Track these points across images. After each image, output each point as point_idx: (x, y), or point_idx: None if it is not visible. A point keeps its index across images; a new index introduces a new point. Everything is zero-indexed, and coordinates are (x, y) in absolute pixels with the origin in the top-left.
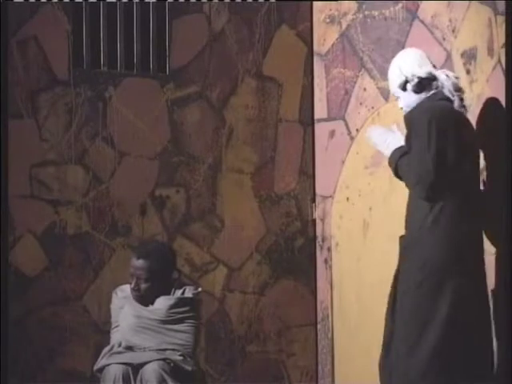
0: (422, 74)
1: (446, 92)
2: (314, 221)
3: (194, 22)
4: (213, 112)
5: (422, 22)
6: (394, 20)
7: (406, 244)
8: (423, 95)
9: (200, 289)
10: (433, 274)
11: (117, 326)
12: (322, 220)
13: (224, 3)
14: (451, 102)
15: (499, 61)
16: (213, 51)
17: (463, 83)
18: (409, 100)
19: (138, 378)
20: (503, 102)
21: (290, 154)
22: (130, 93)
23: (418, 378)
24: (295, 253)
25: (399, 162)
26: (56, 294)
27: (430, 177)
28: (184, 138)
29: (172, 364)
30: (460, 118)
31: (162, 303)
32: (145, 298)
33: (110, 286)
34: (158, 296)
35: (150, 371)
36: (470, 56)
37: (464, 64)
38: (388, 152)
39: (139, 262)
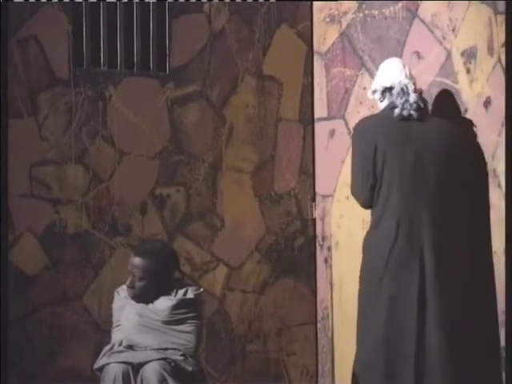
0: (386, 83)
1: (397, 100)
2: (314, 220)
3: (194, 21)
4: (213, 111)
5: (422, 21)
6: (394, 19)
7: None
8: (385, 104)
9: (202, 289)
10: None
11: (118, 325)
12: (322, 219)
13: (224, 2)
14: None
15: (499, 60)
16: (213, 50)
17: (463, 82)
18: (380, 109)
19: (139, 377)
20: (503, 101)
21: (290, 153)
22: (130, 92)
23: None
24: (295, 252)
25: None
26: (56, 294)
27: (354, 189)
28: (184, 137)
29: (173, 363)
30: (386, 124)
31: (165, 304)
32: (139, 297)
33: (111, 286)
34: (154, 295)
35: (151, 370)
36: (470, 55)
37: (464, 63)
38: None
39: (136, 260)
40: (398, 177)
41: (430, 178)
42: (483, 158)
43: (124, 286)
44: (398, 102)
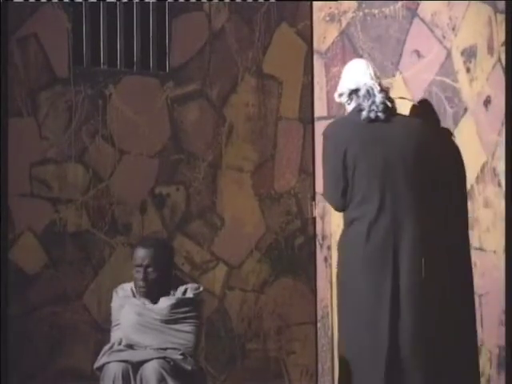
0: (351, 86)
1: (363, 104)
2: (313, 219)
3: (194, 20)
4: (213, 110)
5: (422, 20)
6: (393, 18)
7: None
8: (352, 106)
9: (201, 288)
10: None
11: (117, 325)
12: (322, 218)
13: (224, 2)
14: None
15: (499, 59)
16: (213, 49)
17: (463, 81)
18: (348, 112)
19: (138, 376)
20: (503, 100)
21: (289, 152)
22: (129, 91)
23: None
24: (295, 251)
25: None
26: (56, 293)
27: (327, 193)
28: (184, 136)
29: (172, 363)
30: (355, 127)
31: (164, 303)
32: (152, 290)
33: (110, 285)
34: (163, 291)
35: (150, 369)
36: (470, 54)
37: (464, 62)
38: None
39: (142, 251)
40: (369, 179)
41: (401, 179)
42: (459, 159)
43: (123, 286)
44: (365, 104)
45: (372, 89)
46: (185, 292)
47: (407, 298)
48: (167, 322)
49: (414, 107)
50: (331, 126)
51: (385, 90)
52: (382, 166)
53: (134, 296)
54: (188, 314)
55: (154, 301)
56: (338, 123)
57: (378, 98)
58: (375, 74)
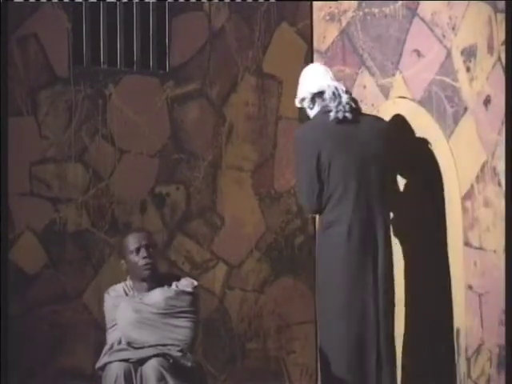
0: (314, 89)
1: (330, 104)
2: (313, 218)
3: (193, 19)
4: (213, 109)
5: (422, 19)
6: (393, 17)
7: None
8: (316, 110)
9: (196, 283)
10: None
11: (113, 326)
12: None
13: (224, 1)
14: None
15: (499, 58)
16: (213, 49)
17: (463, 81)
18: (310, 115)
19: (138, 374)
20: (503, 100)
21: (289, 152)
22: (129, 90)
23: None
24: (295, 250)
25: None
26: (56, 292)
27: (303, 197)
28: (184, 135)
29: (171, 360)
30: (325, 129)
31: (160, 296)
32: (156, 268)
33: (110, 284)
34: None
35: (150, 368)
36: (469, 53)
37: (464, 61)
38: None
39: (139, 234)
40: (344, 179)
41: (374, 176)
42: (431, 157)
43: (114, 287)
44: (332, 105)
45: (337, 89)
46: (180, 284)
47: (383, 288)
48: (164, 315)
49: (413, 107)
50: (301, 129)
51: (348, 91)
52: (357, 165)
53: (127, 295)
54: (185, 309)
55: (155, 283)
56: (308, 126)
57: (344, 98)
58: (334, 76)
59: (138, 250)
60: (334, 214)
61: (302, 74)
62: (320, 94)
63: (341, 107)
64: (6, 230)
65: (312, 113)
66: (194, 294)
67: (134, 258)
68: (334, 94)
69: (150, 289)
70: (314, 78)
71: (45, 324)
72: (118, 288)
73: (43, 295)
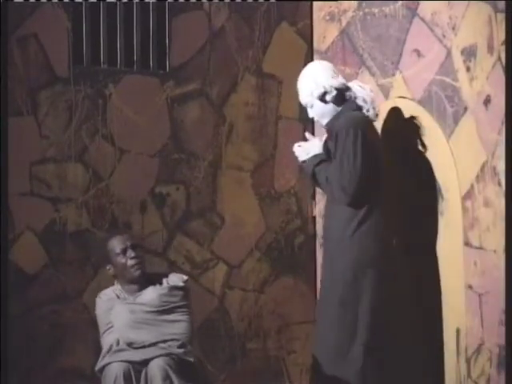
0: (338, 85)
1: (360, 102)
2: (313, 218)
3: (193, 19)
4: (213, 109)
5: (422, 19)
6: (393, 17)
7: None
8: (336, 105)
9: (186, 277)
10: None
11: (108, 329)
12: (322, 217)
13: (224, 1)
14: (362, 111)
15: (499, 58)
16: (213, 48)
17: (463, 81)
18: (323, 110)
19: (143, 374)
20: (503, 100)
21: (289, 152)
22: (129, 90)
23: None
24: (295, 250)
25: (317, 169)
26: (56, 292)
27: (354, 186)
28: (184, 135)
29: (176, 358)
30: (374, 127)
31: (154, 293)
32: (144, 267)
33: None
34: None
35: (155, 367)
36: (469, 53)
37: (464, 61)
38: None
39: (122, 236)
40: (380, 177)
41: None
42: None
43: (105, 291)
44: (364, 104)
45: (361, 87)
46: (171, 280)
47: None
48: (160, 312)
49: (413, 106)
50: (357, 122)
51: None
52: (385, 166)
53: (119, 297)
54: (179, 304)
55: (145, 283)
56: (362, 120)
57: (370, 94)
58: None
59: (124, 252)
60: (364, 211)
61: (313, 67)
62: (345, 90)
63: (373, 106)
64: (6, 230)
65: (321, 108)
66: (185, 288)
67: (121, 259)
68: (359, 90)
69: (140, 289)
70: (333, 72)
71: (45, 324)
72: (109, 292)
73: (43, 295)
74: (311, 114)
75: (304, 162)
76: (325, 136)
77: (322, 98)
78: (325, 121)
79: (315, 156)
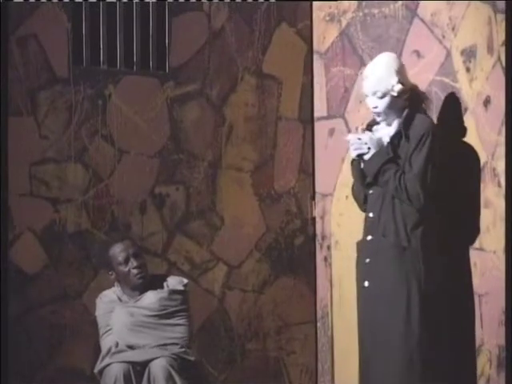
0: (414, 85)
1: (425, 106)
2: (313, 219)
3: (193, 19)
4: (212, 110)
5: (422, 20)
6: (393, 18)
7: (380, 248)
8: (406, 104)
9: (186, 280)
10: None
11: (108, 331)
12: (322, 218)
13: (224, 1)
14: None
15: (499, 59)
16: (212, 49)
17: (463, 81)
18: (393, 105)
19: (145, 374)
20: (503, 100)
21: (289, 152)
22: (129, 90)
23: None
24: (295, 251)
25: (385, 167)
26: (56, 292)
27: (428, 189)
28: (184, 135)
29: (178, 359)
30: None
31: (154, 297)
32: (146, 274)
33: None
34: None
35: (158, 367)
36: (469, 54)
37: (464, 62)
38: (368, 156)
39: (123, 244)
40: None
41: None
42: None
43: (105, 292)
44: (430, 106)
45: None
46: (170, 283)
47: None
48: (160, 316)
49: None
50: (436, 130)
51: None
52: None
53: (120, 299)
54: (179, 308)
55: (146, 286)
56: (433, 122)
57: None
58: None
59: (126, 261)
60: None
61: (394, 58)
62: (417, 91)
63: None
64: (6, 230)
65: (387, 102)
66: (184, 292)
67: (123, 269)
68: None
69: (141, 293)
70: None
71: (44, 324)
72: (109, 293)
73: (43, 295)
74: (376, 104)
75: (360, 155)
76: (378, 131)
77: (399, 92)
78: (386, 117)
79: (379, 153)
